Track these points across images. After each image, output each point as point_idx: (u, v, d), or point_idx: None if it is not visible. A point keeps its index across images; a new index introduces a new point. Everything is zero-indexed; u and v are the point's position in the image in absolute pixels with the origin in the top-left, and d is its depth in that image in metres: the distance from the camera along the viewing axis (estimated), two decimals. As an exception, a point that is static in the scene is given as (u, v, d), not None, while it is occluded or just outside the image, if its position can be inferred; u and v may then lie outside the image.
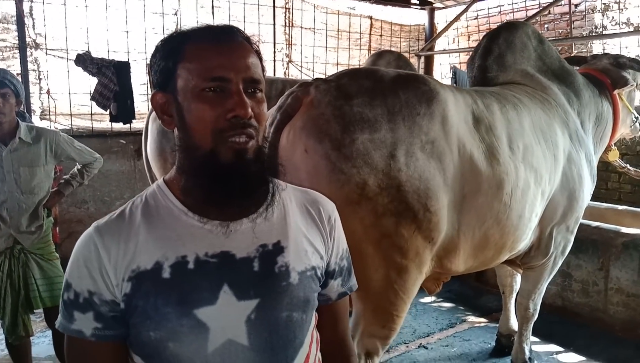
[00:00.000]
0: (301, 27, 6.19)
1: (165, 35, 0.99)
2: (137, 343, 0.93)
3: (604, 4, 5.59)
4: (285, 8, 6.06)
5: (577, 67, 3.38)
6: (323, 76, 2.12)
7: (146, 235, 0.93)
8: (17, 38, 4.55)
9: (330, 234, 1.08)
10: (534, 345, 3.47)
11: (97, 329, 0.92)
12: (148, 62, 1.05)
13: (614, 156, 3.31)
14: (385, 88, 1.95)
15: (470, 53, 3.01)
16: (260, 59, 1.00)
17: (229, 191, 0.92)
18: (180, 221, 0.95)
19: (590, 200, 4.58)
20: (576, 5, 5.65)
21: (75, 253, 0.94)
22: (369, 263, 1.90)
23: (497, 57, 2.76)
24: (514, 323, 3.46)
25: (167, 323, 0.89)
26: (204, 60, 0.91)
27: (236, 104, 0.90)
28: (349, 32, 6.58)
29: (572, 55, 5.17)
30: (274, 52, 5.94)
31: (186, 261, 0.92)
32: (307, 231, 1.04)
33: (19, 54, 4.55)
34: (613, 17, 5.58)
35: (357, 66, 6.20)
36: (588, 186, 2.68)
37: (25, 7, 4.58)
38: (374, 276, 1.93)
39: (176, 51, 0.94)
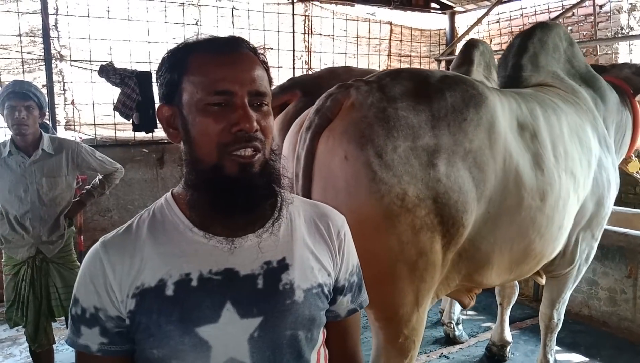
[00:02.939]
0: (320, 34, 6.19)
1: (171, 47, 0.98)
2: (141, 359, 0.93)
3: (631, 4, 5.45)
4: (305, 16, 6.07)
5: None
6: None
7: (151, 251, 0.93)
8: (43, 50, 4.65)
9: (339, 249, 1.06)
10: (558, 355, 3.39)
11: (103, 344, 0.92)
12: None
13: (634, 168, 3.21)
14: (431, 90, 1.83)
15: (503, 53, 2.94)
16: (267, 71, 0.98)
17: (233, 205, 0.91)
18: (186, 237, 0.94)
19: (618, 205, 4.48)
20: (601, 7, 5.51)
21: (83, 269, 0.95)
22: (400, 287, 1.77)
23: (531, 57, 2.69)
24: (508, 335, 3.46)
25: (169, 340, 0.89)
26: (209, 73, 0.91)
27: (241, 118, 0.89)
28: (369, 38, 6.56)
29: (592, 63, 5.05)
30: (294, 59, 5.95)
31: (190, 279, 0.91)
32: (314, 247, 1.02)
33: (44, 66, 4.66)
34: (640, 18, 5.44)
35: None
36: (614, 193, 2.60)
37: (51, 20, 4.69)
38: (404, 301, 1.80)
39: (181, 64, 0.93)
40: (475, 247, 1.91)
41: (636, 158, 3.21)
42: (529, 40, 2.72)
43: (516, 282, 3.44)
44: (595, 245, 2.68)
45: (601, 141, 2.54)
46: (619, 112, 2.91)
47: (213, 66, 0.91)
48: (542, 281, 2.81)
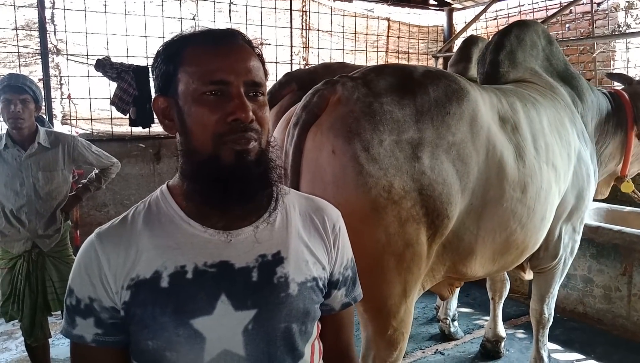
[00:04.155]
0: (318, 30, 6.17)
1: (166, 40, 0.98)
2: (136, 351, 0.93)
3: (628, 1, 5.45)
4: (302, 11, 6.06)
5: (619, 84, 3.31)
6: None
7: (146, 243, 0.93)
8: (39, 44, 4.63)
9: (334, 243, 1.06)
10: (553, 353, 3.41)
11: (97, 335, 0.93)
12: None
13: (626, 189, 3.23)
14: (415, 85, 1.86)
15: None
16: (263, 63, 0.99)
17: (229, 194, 0.91)
18: (181, 229, 0.94)
19: (614, 203, 4.49)
20: (598, 4, 5.52)
21: (78, 260, 0.95)
22: (388, 279, 1.80)
23: (508, 53, 2.72)
24: (501, 330, 3.48)
25: (164, 332, 0.89)
26: (204, 64, 0.91)
27: (237, 107, 0.89)
28: (366, 34, 6.55)
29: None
30: (291, 55, 5.94)
31: (185, 271, 0.91)
32: (309, 241, 1.02)
33: (41, 60, 4.63)
34: (637, 15, 5.45)
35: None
36: (593, 186, 2.65)
37: (47, 13, 4.66)
38: (392, 292, 1.83)
39: (176, 55, 0.94)
40: (459, 238, 1.95)
41: (629, 181, 3.22)
42: (506, 37, 2.75)
43: (507, 276, 3.46)
44: (578, 239, 2.72)
45: (579, 136, 2.58)
46: (599, 113, 2.92)
47: (208, 56, 0.92)
48: (525, 276, 2.84)
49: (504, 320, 3.85)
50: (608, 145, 3.04)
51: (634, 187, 3.27)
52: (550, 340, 3.10)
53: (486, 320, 3.97)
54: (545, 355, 3.00)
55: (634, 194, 3.41)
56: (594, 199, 3.32)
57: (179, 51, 0.94)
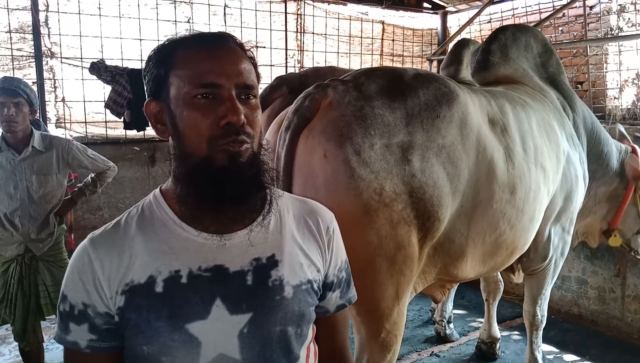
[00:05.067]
0: (313, 33, 6.18)
1: (157, 44, 0.98)
2: (131, 356, 0.93)
3: (620, 5, 5.49)
4: (297, 14, 6.06)
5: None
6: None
7: (140, 248, 0.93)
8: (33, 47, 4.61)
9: (329, 245, 1.06)
10: (548, 354, 3.42)
11: (92, 341, 0.92)
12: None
13: (614, 243, 3.23)
14: (405, 88, 1.88)
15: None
16: (254, 65, 0.99)
17: (222, 196, 0.91)
18: (175, 234, 0.94)
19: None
20: (591, 7, 5.55)
21: (71, 265, 0.95)
22: (380, 281, 1.81)
23: (501, 46, 2.77)
24: (496, 331, 3.50)
25: (159, 337, 0.89)
26: (195, 66, 0.91)
27: (228, 111, 0.89)
28: (361, 37, 6.55)
29: (583, 64, 5.07)
30: (286, 58, 5.94)
31: (179, 276, 0.91)
32: (304, 243, 1.02)
33: (34, 63, 4.61)
34: (629, 19, 5.48)
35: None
36: (582, 188, 2.66)
37: (41, 16, 4.65)
38: (384, 295, 1.84)
39: (167, 59, 0.94)
40: (450, 240, 1.97)
41: (618, 236, 3.21)
42: (502, 32, 2.83)
43: (500, 278, 3.47)
44: (569, 239, 2.73)
45: (568, 138, 2.61)
46: (593, 138, 2.91)
47: (199, 59, 0.92)
48: (514, 278, 2.85)
49: (499, 322, 3.86)
50: (602, 184, 3.04)
51: (621, 241, 3.25)
52: (545, 341, 3.11)
53: (481, 322, 3.98)
54: (539, 356, 3.01)
55: (624, 248, 3.39)
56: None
57: (170, 55, 0.94)
